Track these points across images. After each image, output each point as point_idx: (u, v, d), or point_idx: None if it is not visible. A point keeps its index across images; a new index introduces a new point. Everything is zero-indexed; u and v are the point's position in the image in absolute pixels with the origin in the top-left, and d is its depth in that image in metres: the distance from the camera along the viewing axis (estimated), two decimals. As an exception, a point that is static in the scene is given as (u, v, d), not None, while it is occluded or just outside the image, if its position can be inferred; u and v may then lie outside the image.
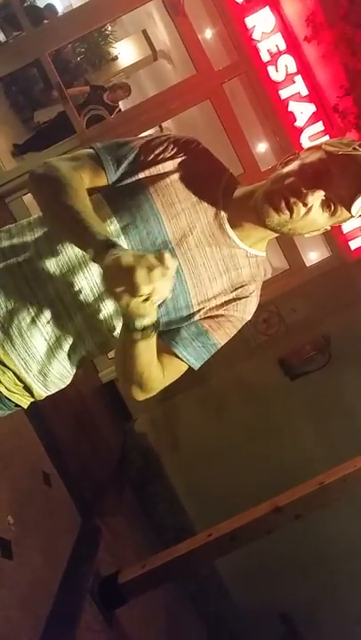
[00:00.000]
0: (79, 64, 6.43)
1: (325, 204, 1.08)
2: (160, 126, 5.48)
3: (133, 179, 1.13)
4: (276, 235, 1.17)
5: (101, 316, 1.12)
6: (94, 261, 0.96)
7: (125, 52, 6.95)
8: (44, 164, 1.12)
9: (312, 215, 1.09)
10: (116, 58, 6.90)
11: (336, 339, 4.75)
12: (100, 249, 0.94)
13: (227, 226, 1.16)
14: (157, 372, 1.16)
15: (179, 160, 1.15)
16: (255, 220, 1.12)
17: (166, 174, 1.13)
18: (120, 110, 5.37)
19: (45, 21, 5.22)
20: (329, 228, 1.17)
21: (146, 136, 1.19)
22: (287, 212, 1.07)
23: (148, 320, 1.00)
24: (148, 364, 1.11)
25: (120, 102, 5.51)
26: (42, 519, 3.00)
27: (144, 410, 4.75)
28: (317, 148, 1.12)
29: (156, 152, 1.15)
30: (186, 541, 3.41)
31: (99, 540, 3.41)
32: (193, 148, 1.17)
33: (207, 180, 1.16)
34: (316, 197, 1.07)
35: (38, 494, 3.10)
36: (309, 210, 1.08)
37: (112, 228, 1.10)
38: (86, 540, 3.32)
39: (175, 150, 1.15)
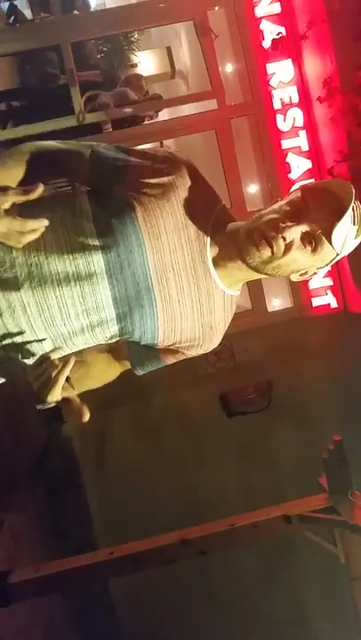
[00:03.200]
0: (97, 62, 6.45)
1: (306, 239, 1.09)
2: (161, 142, 5.52)
3: (123, 199, 1.09)
4: (257, 276, 1.16)
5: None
6: None
7: (145, 62, 7.01)
8: (33, 143, 1.14)
9: (293, 252, 1.09)
10: (135, 65, 6.95)
11: (279, 387, 4.84)
12: None
13: (210, 265, 1.14)
14: (104, 377, 1.27)
15: (173, 188, 1.11)
16: (239, 258, 1.12)
17: (158, 202, 1.09)
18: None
19: (75, 12, 5.23)
20: (317, 270, 1.17)
21: (147, 150, 1.17)
22: (268, 248, 1.07)
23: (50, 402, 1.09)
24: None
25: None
26: None
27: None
28: (296, 190, 1.14)
29: (153, 172, 1.12)
30: (86, 554, 3.35)
31: (-3, 535, 3.29)
32: (190, 174, 1.15)
33: (199, 212, 1.14)
34: (294, 232, 1.07)
35: None
36: (290, 246, 1.08)
37: (93, 252, 1.07)
38: (-15, 532, 3.20)
39: (173, 175, 1.12)
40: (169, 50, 6.98)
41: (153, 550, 3.15)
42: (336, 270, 4.57)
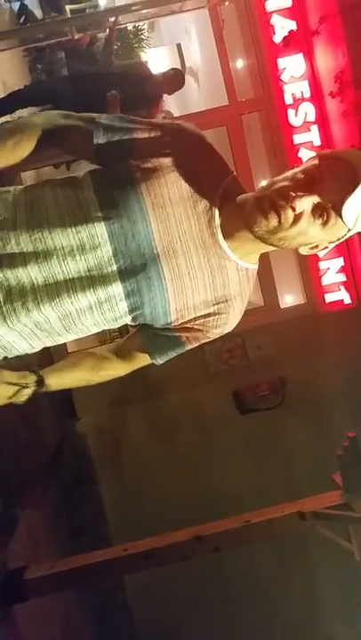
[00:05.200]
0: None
1: (317, 212, 1.02)
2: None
3: (126, 169, 1.07)
4: (270, 248, 1.10)
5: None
6: None
7: (155, 59, 7.01)
8: (35, 121, 1.14)
9: (302, 223, 1.02)
10: (144, 62, 6.94)
11: (292, 384, 4.82)
12: None
13: (219, 235, 1.09)
14: (109, 372, 1.27)
15: (180, 157, 1.08)
16: (245, 227, 1.06)
17: (162, 172, 1.07)
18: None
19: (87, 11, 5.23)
20: (328, 245, 1.10)
21: (153, 121, 1.13)
22: (275, 217, 1.00)
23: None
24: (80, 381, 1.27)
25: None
26: None
27: (91, 411, 4.70)
28: (313, 157, 1.07)
29: (158, 143, 1.09)
30: (100, 551, 3.38)
31: (14, 530, 3.32)
32: (198, 144, 1.11)
33: (206, 182, 1.09)
34: (305, 203, 1.01)
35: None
36: (299, 216, 1.01)
37: (96, 224, 1.05)
38: (0, 528, 3.23)
39: (179, 145, 1.09)
40: (179, 47, 6.97)
41: (167, 547, 3.16)
42: (349, 266, 4.54)
